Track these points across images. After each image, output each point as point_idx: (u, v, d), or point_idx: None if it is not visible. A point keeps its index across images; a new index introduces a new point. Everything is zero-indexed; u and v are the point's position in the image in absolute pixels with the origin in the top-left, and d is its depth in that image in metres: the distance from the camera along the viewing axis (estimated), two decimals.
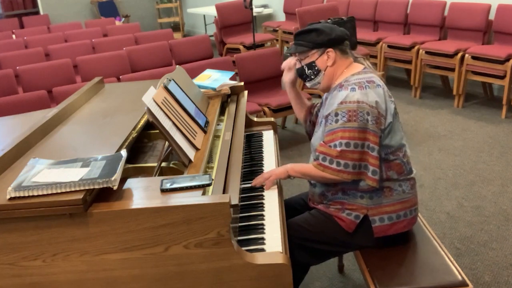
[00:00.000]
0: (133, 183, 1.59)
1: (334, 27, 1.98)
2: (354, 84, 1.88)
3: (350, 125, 1.81)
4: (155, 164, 1.87)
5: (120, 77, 4.23)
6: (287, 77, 2.20)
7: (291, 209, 2.17)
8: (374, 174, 1.84)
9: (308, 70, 2.00)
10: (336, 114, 1.85)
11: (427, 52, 5.20)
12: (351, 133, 1.81)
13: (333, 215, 1.95)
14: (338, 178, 1.85)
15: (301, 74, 2.04)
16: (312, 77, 2.01)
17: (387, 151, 1.89)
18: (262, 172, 2.17)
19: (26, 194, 1.41)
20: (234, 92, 2.59)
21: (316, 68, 1.98)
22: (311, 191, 2.07)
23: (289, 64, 2.17)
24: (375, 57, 5.73)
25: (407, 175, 1.95)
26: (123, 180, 1.58)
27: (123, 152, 1.59)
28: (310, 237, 1.95)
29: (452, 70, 5.06)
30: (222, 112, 2.43)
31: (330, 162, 1.84)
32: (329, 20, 4.38)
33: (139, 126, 2.04)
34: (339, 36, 1.96)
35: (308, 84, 2.05)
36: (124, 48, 5.07)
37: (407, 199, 1.95)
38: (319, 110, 2.14)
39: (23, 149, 1.79)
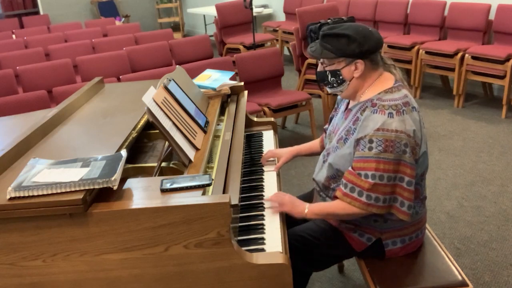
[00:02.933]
0: (133, 183, 1.59)
1: (368, 35, 1.74)
2: (390, 107, 1.71)
3: (386, 156, 1.66)
4: (155, 164, 1.87)
5: (120, 77, 4.23)
6: (281, 163, 2.18)
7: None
8: (409, 209, 1.73)
9: (331, 77, 1.81)
10: (371, 141, 1.68)
11: (427, 52, 5.20)
12: (385, 165, 1.67)
13: (344, 233, 1.88)
14: (365, 212, 1.72)
15: (322, 78, 1.85)
16: (334, 85, 1.82)
17: None
18: (262, 172, 2.17)
19: (26, 194, 1.41)
20: (234, 92, 2.59)
21: (340, 77, 1.79)
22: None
23: (267, 158, 2.18)
24: None
25: (421, 196, 1.88)
26: (123, 180, 1.58)
27: (123, 152, 1.59)
28: (316, 249, 1.88)
29: (452, 70, 5.07)
30: (222, 112, 2.43)
31: (359, 194, 1.70)
32: (329, 20, 4.38)
33: (139, 126, 2.04)
34: (373, 48, 1.74)
35: (329, 90, 1.88)
36: (124, 48, 5.07)
37: (419, 219, 1.90)
38: (335, 114, 2.00)
39: (23, 149, 1.79)
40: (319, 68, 1.86)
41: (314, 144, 2.23)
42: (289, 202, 1.84)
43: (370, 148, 1.68)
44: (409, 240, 1.89)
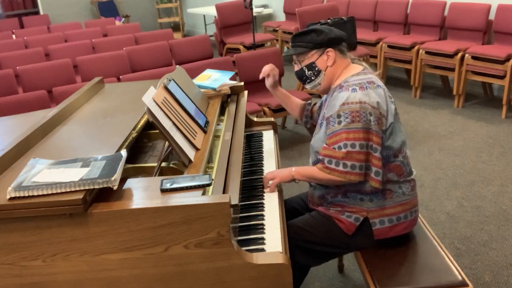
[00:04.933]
0: (133, 183, 1.59)
1: (332, 28, 1.99)
2: (354, 85, 1.87)
3: (354, 126, 1.80)
4: (155, 164, 1.87)
5: (120, 77, 4.23)
6: (267, 83, 2.28)
7: (291, 209, 2.16)
8: (377, 175, 1.83)
9: (308, 71, 2.00)
10: (339, 116, 1.83)
11: (427, 52, 5.20)
12: (355, 134, 1.80)
13: (333, 217, 1.95)
14: (345, 180, 1.82)
15: (300, 76, 2.03)
16: (312, 78, 2.00)
17: (389, 153, 1.88)
18: (262, 172, 2.17)
19: (26, 194, 1.41)
20: (234, 92, 2.59)
21: (316, 68, 1.98)
22: (311, 192, 2.06)
23: (266, 71, 2.25)
24: (375, 57, 5.73)
25: (407, 177, 1.95)
26: (123, 180, 1.58)
27: (123, 152, 1.59)
28: (310, 238, 1.94)
29: (452, 70, 5.07)
30: (222, 112, 2.43)
31: (336, 164, 1.82)
32: (329, 20, 4.38)
33: (139, 126, 2.04)
34: (338, 36, 1.97)
35: (307, 86, 2.04)
36: (124, 48, 5.07)
37: (407, 201, 1.94)
38: (320, 110, 2.12)
39: (23, 149, 1.79)
40: (295, 68, 2.05)
41: (297, 102, 2.33)
42: (276, 172, 2.02)
43: (339, 123, 1.83)
44: (397, 221, 1.93)
